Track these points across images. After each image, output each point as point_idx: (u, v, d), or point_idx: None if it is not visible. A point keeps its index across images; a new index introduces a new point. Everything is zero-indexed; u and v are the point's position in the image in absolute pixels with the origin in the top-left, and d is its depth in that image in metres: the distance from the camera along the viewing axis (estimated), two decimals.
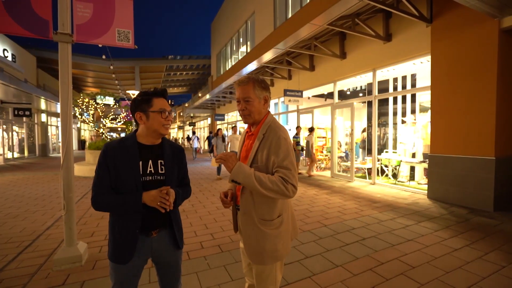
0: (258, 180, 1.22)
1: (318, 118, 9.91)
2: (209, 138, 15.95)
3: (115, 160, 1.27)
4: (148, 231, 1.32)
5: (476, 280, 2.24)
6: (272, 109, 12.11)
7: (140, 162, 1.31)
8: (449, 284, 2.18)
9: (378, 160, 6.97)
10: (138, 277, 1.36)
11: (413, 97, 7.29)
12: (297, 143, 8.15)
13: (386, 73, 6.77)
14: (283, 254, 1.35)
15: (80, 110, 11.56)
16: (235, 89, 1.41)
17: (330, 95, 9.63)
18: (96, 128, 12.23)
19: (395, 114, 7.89)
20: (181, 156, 1.48)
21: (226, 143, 8.40)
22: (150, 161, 1.34)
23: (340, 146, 9.15)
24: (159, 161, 1.36)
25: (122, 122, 14.09)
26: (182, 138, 35.71)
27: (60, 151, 2.59)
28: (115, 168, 1.26)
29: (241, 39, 14.42)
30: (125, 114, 12.81)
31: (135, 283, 1.35)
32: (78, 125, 23.69)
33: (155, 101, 1.32)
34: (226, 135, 12.96)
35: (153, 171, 1.33)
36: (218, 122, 19.41)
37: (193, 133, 16.49)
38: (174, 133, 43.04)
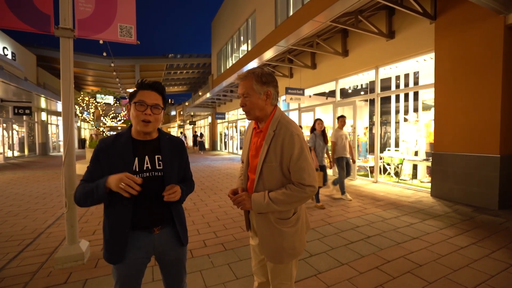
0: (278, 203, 1.23)
1: (319, 116, 9.86)
2: (195, 137, 18.86)
3: (108, 156, 1.21)
4: (150, 228, 1.27)
5: (485, 278, 2.21)
6: None
7: (136, 159, 1.24)
8: (458, 282, 2.15)
9: (381, 158, 6.94)
10: (140, 276, 1.32)
11: (416, 95, 7.26)
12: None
13: (388, 71, 6.73)
14: (301, 250, 1.34)
15: (80, 108, 11.50)
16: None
17: (331, 94, 9.59)
18: (96, 127, 12.19)
19: (397, 112, 7.86)
20: (181, 149, 1.41)
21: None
22: (147, 157, 1.27)
23: None
24: (156, 156, 1.29)
25: (123, 120, 14.05)
26: None
27: (62, 148, 2.56)
28: (108, 164, 1.20)
29: (242, 38, 14.36)
30: (125, 112, 12.75)
31: (138, 281, 1.31)
32: (78, 124, 23.65)
33: (139, 93, 1.24)
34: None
35: (150, 167, 1.26)
36: (218, 121, 19.38)
37: (181, 133, 19.45)
38: (174, 132, 42.98)
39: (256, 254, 1.47)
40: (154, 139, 1.33)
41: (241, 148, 16.21)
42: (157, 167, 1.28)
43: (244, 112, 1.36)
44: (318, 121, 4.57)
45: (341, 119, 5.12)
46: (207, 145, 22.88)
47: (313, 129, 4.59)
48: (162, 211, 1.29)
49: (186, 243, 1.40)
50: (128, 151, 1.24)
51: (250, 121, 1.49)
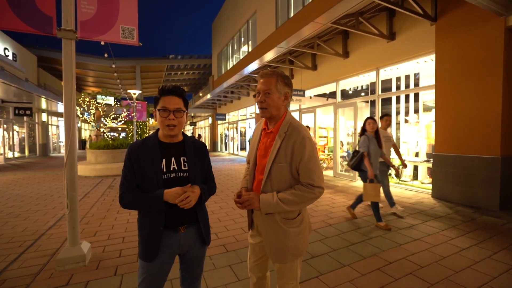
0: (287, 203, 1.26)
1: (319, 117, 9.88)
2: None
3: (138, 160, 1.29)
4: (176, 227, 1.33)
5: (487, 280, 2.21)
6: None
7: (164, 160, 1.31)
8: (459, 284, 2.15)
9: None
10: (165, 277, 1.35)
11: (416, 96, 7.26)
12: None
13: (389, 72, 6.74)
14: (303, 250, 1.38)
15: (81, 109, 11.51)
16: (258, 80, 1.39)
17: (332, 95, 9.61)
18: (96, 128, 12.20)
19: (398, 113, 7.87)
20: (203, 152, 1.47)
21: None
22: (173, 158, 1.34)
23: (342, 145, 9.11)
24: (181, 158, 1.37)
25: (123, 121, 14.05)
26: None
27: (64, 149, 2.56)
28: (139, 167, 1.29)
29: (242, 39, 14.38)
30: (126, 113, 12.76)
31: (162, 283, 1.35)
32: (79, 125, 23.66)
33: (161, 99, 1.32)
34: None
35: (176, 168, 1.34)
36: (219, 122, 19.36)
37: None
38: None
39: (255, 252, 1.49)
40: (179, 142, 1.40)
41: (242, 149, 16.21)
42: (183, 168, 1.35)
43: (260, 108, 1.37)
44: (368, 120, 3.70)
45: (386, 118, 4.22)
46: (207, 146, 22.94)
47: (363, 130, 3.72)
48: (187, 210, 1.33)
49: (208, 242, 1.44)
50: (156, 153, 1.31)
51: (258, 122, 1.52)
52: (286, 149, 1.28)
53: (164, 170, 1.31)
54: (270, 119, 1.40)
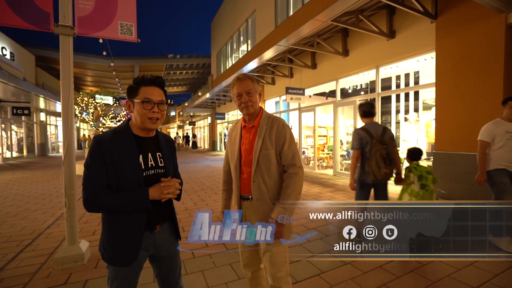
0: (294, 196, 1.42)
1: (319, 116, 9.86)
2: (186, 137, 20.77)
3: (111, 154, 1.13)
4: (153, 226, 1.26)
5: (489, 277, 2.19)
6: (273, 108, 12.05)
7: (141, 156, 1.21)
8: (462, 281, 2.13)
9: None
10: (138, 276, 1.30)
11: (416, 94, 7.25)
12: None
13: (389, 71, 6.72)
14: (292, 230, 1.53)
15: (79, 109, 11.46)
16: (233, 86, 1.50)
17: (331, 94, 9.59)
18: (95, 127, 12.16)
19: (398, 112, 7.86)
20: (173, 147, 1.43)
21: None
22: (150, 154, 1.26)
23: (342, 144, 9.10)
24: (157, 154, 1.29)
25: (122, 121, 14.02)
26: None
27: (62, 147, 2.53)
28: (112, 162, 1.13)
29: (241, 38, 14.35)
30: (125, 113, 12.72)
31: (136, 279, 1.29)
32: (77, 125, 23.58)
33: (142, 90, 1.19)
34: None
35: (154, 164, 1.25)
36: (218, 121, 19.35)
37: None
38: (174, 132, 42.88)
39: (245, 247, 1.58)
40: (153, 137, 1.32)
41: None
42: (160, 164, 1.28)
43: (245, 107, 1.48)
44: None
45: None
46: (206, 146, 23.04)
47: None
48: (164, 208, 1.29)
49: (180, 237, 1.42)
50: (133, 149, 1.20)
51: (235, 123, 1.66)
52: (271, 136, 1.46)
53: (143, 167, 1.21)
54: (251, 116, 1.52)
